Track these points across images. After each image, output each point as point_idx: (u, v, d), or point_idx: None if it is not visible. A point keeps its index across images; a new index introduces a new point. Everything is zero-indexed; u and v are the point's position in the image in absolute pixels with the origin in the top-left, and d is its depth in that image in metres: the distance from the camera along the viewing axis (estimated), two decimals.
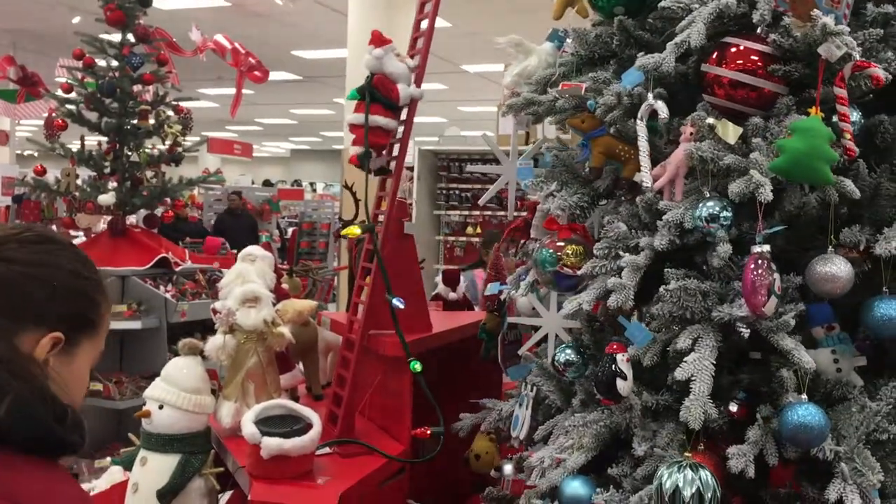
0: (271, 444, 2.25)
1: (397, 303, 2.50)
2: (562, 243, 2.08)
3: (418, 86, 2.70)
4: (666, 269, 1.83)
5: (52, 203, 6.41)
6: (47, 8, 11.89)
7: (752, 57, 1.88)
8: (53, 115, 5.47)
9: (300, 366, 3.08)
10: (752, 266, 1.70)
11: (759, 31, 1.91)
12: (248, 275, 2.81)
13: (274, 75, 10.24)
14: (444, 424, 2.52)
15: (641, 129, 1.92)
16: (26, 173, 6.18)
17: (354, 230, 2.63)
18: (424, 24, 2.76)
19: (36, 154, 19.56)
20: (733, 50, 1.89)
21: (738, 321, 1.77)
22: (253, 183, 17.63)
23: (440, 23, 11.56)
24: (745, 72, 1.87)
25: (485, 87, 16.34)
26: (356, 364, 2.58)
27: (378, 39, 2.63)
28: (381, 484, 2.42)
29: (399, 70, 2.63)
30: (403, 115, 2.70)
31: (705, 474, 1.63)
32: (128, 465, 2.66)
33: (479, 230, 7.99)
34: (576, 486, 1.92)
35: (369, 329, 2.66)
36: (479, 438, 2.64)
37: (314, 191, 24.70)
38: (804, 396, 1.72)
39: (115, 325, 4.94)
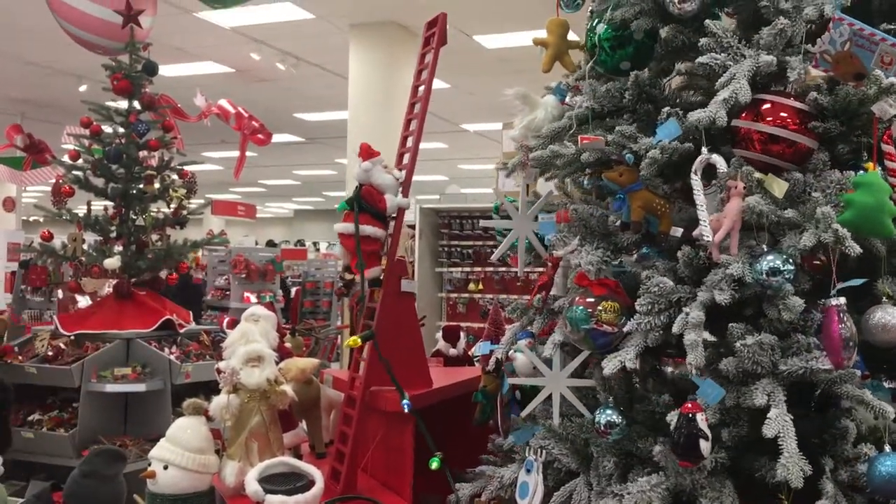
0: (274, 502, 2.28)
1: (406, 404, 2.53)
2: (592, 299, 2.02)
3: (405, 193, 2.82)
4: (731, 325, 1.85)
5: (59, 268, 6.48)
6: (54, 77, 12.16)
7: (787, 113, 1.95)
8: (61, 181, 5.57)
9: (303, 424, 3.10)
10: (836, 319, 1.72)
11: (787, 88, 1.99)
12: (252, 334, 2.87)
13: (277, 137, 10.45)
14: (443, 478, 2.53)
15: (697, 182, 1.92)
16: (33, 239, 6.26)
17: (356, 340, 2.63)
18: (422, 90, 2.87)
19: (41, 220, 19.74)
20: (769, 106, 1.96)
21: (813, 374, 1.78)
22: (256, 243, 17.74)
23: (439, 84, 11.80)
24: (783, 127, 1.93)
25: (484, 144, 16.58)
26: (358, 421, 2.62)
27: (366, 152, 2.77)
28: None
29: (386, 181, 2.76)
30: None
31: None
32: None
33: (481, 286, 8.05)
34: None
35: (370, 385, 2.70)
36: None
37: (317, 250, 24.81)
38: (887, 447, 1.76)
39: (120, 387, 4.97)
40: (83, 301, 6.34)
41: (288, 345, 3.57)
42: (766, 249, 1.83)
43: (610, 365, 1.93)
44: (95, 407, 5.07)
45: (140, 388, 5.00)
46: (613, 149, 2.10)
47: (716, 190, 2.02)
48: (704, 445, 1.77)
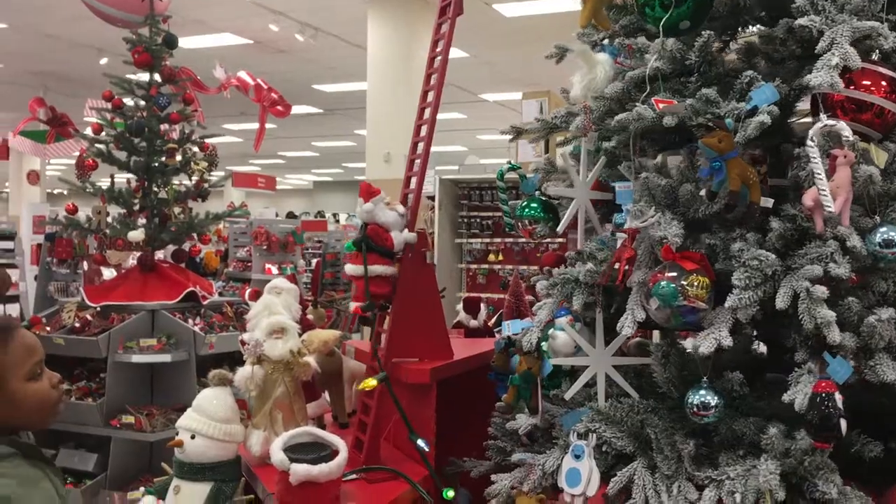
0: (299, 471, 2.32)
1: (422, 444, 2.53)
2: (676, 273, 1.91)
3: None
4: (849, 299, 1.82)
5: (84, 240, 6.56)
6: (76, 51, 12.21)
7: (878, 81, 1.92)
8: (84, 155, 5.63)
9: (326, 395, 3.15)
10: None
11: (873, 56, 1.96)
12: (275, 307, 2.90)
13: (296, 109, 10.44)
14: (465, 451, 2.56)
15: (814, 150, 1.86)
16: (57, 212, 6.34)
17: (371, 382, 2.58)
18: (438, 61, 2.86)
19: (65, 192, 19.91)
20: (860, 72, 1.92)
21: None
22: (277, 215, 17.82)
23: (458, 53, 11.70)
24: (873, 94, 1.90)
25: (503, 115, 16.49)
26: (380, 392, 2.65)
27: (366, 192, 2.72)
28: None
29: (391, 219, 2.72)
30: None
31: None
32: (161, 494, 2.72)
33: (500, 258, 8.05)
34: None
35: (392, 357, 2.73)
36: (523, 500, 2.25)
37: (337, 221, 24.88)
38: None
39: (146, 358, 5.05)
40: (108, 273, 6.42)
41: (310, 317, 3.61)
42: (878, 221, 1.81)
43: (705, 344, 1.84)
44: (122, 377, 5.17)
45: (165, 358, 5.08)
46: (688, 112, 1.99)
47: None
48: (843, 424, 1.73)
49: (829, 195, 1.81)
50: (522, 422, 2.42)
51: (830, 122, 1.87)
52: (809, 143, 1.87)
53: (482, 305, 3.86)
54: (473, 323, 3.76)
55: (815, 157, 1.85)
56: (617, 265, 2.06)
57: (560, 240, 6.17)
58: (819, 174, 1.83)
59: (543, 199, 2.60)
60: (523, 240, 7.71)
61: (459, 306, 3.89)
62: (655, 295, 1.92)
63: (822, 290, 1.76)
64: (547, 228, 2.60)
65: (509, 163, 2.83)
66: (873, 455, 1.94)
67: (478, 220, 8.10)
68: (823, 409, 1.73)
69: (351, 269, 2.73)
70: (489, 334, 3.69)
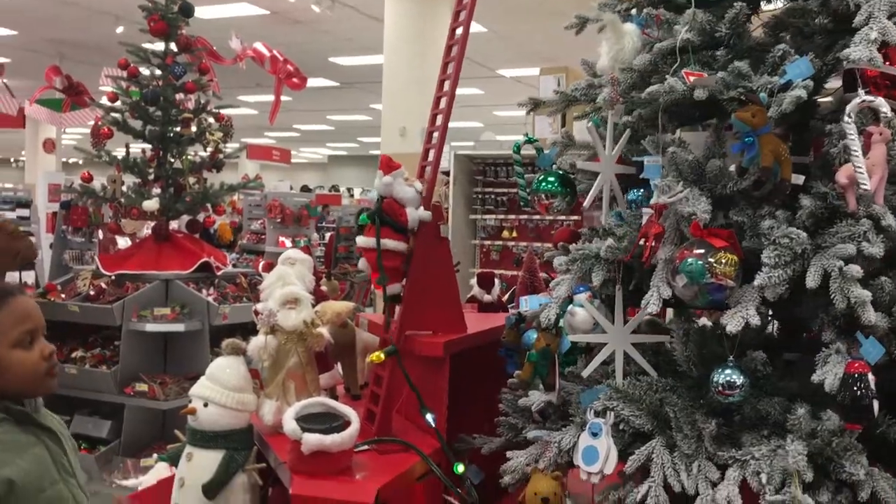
0: (311, 440, 2.32)
1: (430, 419, 2.53)
2: (703, 250, 1.86)
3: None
4: (882, 279, 1.81)
5: (99, 209, 6.59)
6: (92, 18, 12.18)
7: None
8: (100, 123, 5.63)
9: (339, 366, 3.15)
10: None
11: None
12: (288, 277, 2.90)
13: (312, 82, 10.39)
14: (476, 424, 2.55)
15: (851, 127, 1.83)
16: (73, 180, 6.35)
17: (380, 356, 2.56)
18: (459, 32, 2.82)
19: (81, 161, 19.99)
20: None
21: None
22: (291, 188, 17.83)
23: (476, 28, 11.61)
24: None
25: (520, 91, 16.38)
26: (393, 364, 2.65)
27: (386, 165, 2.68)
28: (419, 479, 2.48)
29: (408, 195, 2.68)
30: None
31: None
32: (174, 461, 2.74)
33: (514, 234, 8.02)
34: None
35: (405, 330, 2.72)
36: (539, 478, 2.21)
37: (351, 196, 24.90)
38: None
39: (160, 327, 5.08)
40: (123, 242, 6.45)
41: (324, 288, 3.61)
42: None
43: (733, 322, 1.82)
44: (136, 345, 5.20)
45: (179, 327, 5.11)
46: (719, 85, 1.95)
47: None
48: (875, 406, 1.72)
49: (865, 173, 1.77)
50: (536, 398, 2.40)
51: (869, 98, 1.83)
52: (846, 119, 1.83)
53: (496, 281, 3.85)
54: (487, 298, 3.75)
55: (851, 134, 1.81)
56: (643, 241, 2.02)
57: (575, 217, 6.14)
58: (856, 151, 1.80)
59: (561, 173, 2.56)
60: (538, 216, 7.67)
61: (473, 281, 3.88)
62: (683, 272, 1.88)
63: (856, 270, 1.74)
64: (564, 203, 2.54)
65: (526, 136, 2.79)
66: None
67: (492, 196, 8.06)
68: (856, 390, 1.71)
69: (362, 240, 2.70)
70: (503, 309, 3.68)
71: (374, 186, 2.72)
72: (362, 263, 2.76)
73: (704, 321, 2.53)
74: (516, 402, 2.55)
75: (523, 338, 2.67)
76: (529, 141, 2.77)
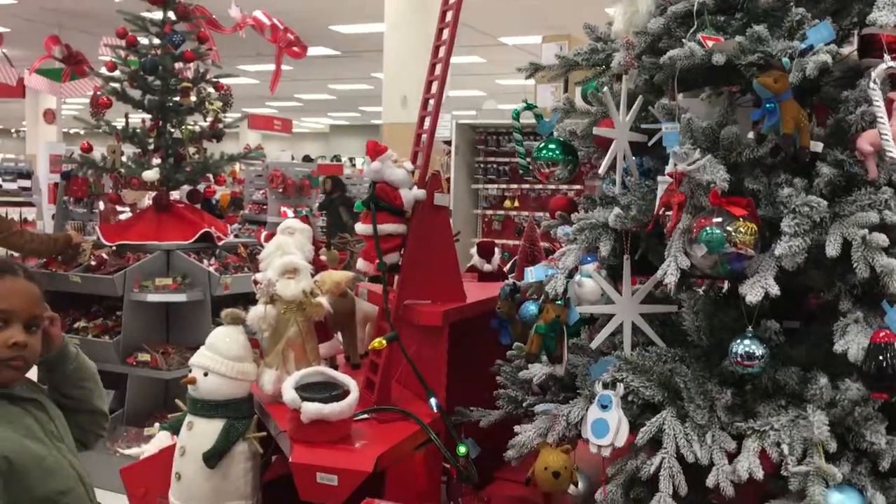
0: (311, 409, 2.33)
1: (434, 403, 2.53)
2: (721, 219, 1.83)
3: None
4: None
5: (99, 179, 6.57)
6: None
7: None
8: (99, 93, 5.60)
9: (339, 336, 3.16)
10: None
11: None
12: (288, 247, 2.89)
13: (312, 51, 10.33)
14: (475, 394, 2.55)
15: (876, 93, 1.79)
16: (73, 150, 6.33)
17: (382, 342, 2.54)
18: None
19: (82, 132, 19.93)
20: None
21: None
22: (293, 158, 17.78)
23: None
24: None
25: (523, 59, 16.24)
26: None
27: (373, 151, 2.67)
28: (417, 448, 2.49)
29: (399, 177, 2.67)
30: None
31: None
32: (175, 430, 2.76)
33: (516, 204, 7.99)
34: (843, 500, 1.75)
35: (405, 299, 2.72)
36: (548, 452, 2.16)
37: (353, 166, 24.83)
38: None
39: (162, 297, 5.10)
40: (124, 213, 6.45)
41: (323, 258, 3.61)
42: None
43: (753, 292, 1.79)
44: (138, 315, 5.22)
45: (180, 298, 5.12)
46: (736, 51, 1.91)
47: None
48: None
49: (891, 140, 1.74)
50: (537, 371, 2.38)
51: (890, 63, 1.79)
52: (872, 85, 1.79)
53: (496, 250, 3.84)
54: (487, 267, 3.74)
55: (877, 101, 1.77)
56: (666, 211, 1.97)
57: (577, 186, 6.11)
58: (882, 118, 1.76)
59: (562, 140, 2.52)
60: (539, 186, 7.64)
61: (473, 250, 3.87)
62: (702, 241, 1.83)
63: (883, 239, 1.71)
64: (566, 171, 2.48)
65: (525, 101, 2.76)
66: None
67: (494, 165, 8.03)
68: (881, 360, 1.68)
69: (361, 227, 2.72)
70: (503, 278, 3.67)
71: (365, 174, 2.71)
72: (362, 255, 2.77)
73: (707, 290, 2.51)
74: (515, 374, 2.55)
75: (521, 309, 2.66)
76: (529, 107, 2.73)
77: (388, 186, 2.68)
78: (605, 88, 2.30)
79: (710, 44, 1.92)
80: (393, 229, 2.69)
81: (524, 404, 2.46)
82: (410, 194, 2.69)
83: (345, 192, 12.15)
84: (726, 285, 2.39)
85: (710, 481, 1.85)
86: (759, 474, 1.81)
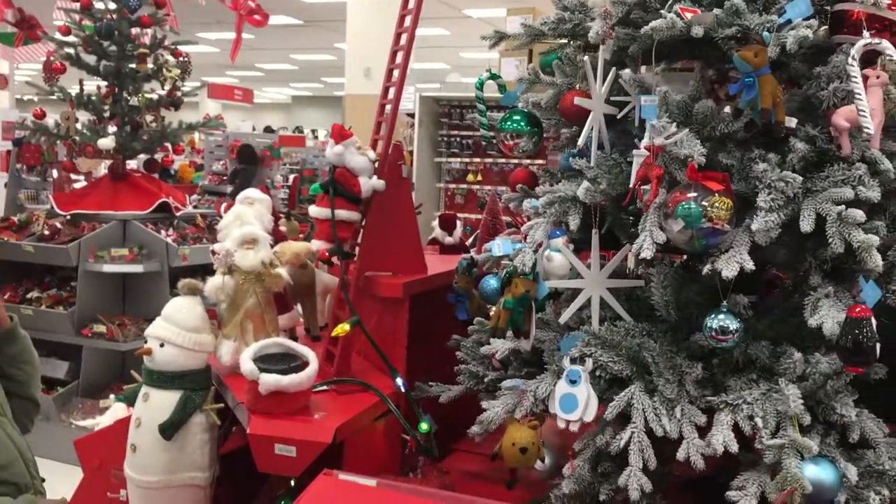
0: (269, 381, 2.31)
1: (400, 384, 2.53)
2: (696, 194, 1.82)
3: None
4: (877, 223, 1.81)
5: (53, 147, 6.41)
6: None
7: None
8: (52, 58, 5.45)
9: (298, 307, 3.13)
10: None
11: None
12: (246, 217, 2.85)
13: (274, 19, 10.12)
14: (437, 367, 2.55)
15: (855, 69, 1.78)
16: (26, 117, 6.17)
17: (344, 328, 2.51)
18: None
19: (35, 98, 19.43)
20: None
21: None
22: (254, 129, 17.53)
23: None
24: None
25: (487, 32, 16.15)
26: (352, 305, 2.63)
27: (338, 134, 2.65)
28: (377, 419, 2.49)
29: (360, 164, 2.65)
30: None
31: None
32: (131, 402, 2.72)
33: (479, 177, 7.99)
34: (818, 472, 1.77)
35: (365, 271, 2.71)
36: (516, 428, 2.14)
37: (316, 137, 24.56)
38: None
39: (118, 268, 5.01)
40: (79, 182, 6.31)
41: (283, 229, 3.56)
42: None
43: (729, 267, 1.79)
44: (93, 286, 5.13)
45: (137, 268, 5.04)
46: (713, 23, 1.90)
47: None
48: (877, 349, 1.71)
49: (868, 117, 1.74)
50: (500, 346, 2.33)
51: (875, 40, 1.80)
52: (851, 61, 1.79)
53: (458, 223, 3.83)
54: (449, 240, 3.74)
55: (855, 77, 1.77)
56: (642, 185, 1.95)
57: (540, 161, 6.11)
58: (860, 95, 1.76)
59: (527, 111, 2.50)
60: (503, 160, 7.65)
61: (435, 223, 3.86)
62: (679, 216, 1.83)
63: (859, 214, 1.73)
64: (531, 144, 2.44)
65: (488, 71, 2.73)
66: (878, 378, 1.94)
67: (458, 139, 8.02)
68: (858, 334, 1.70)
69: (315, 210, 2.70)
70: (465, 251, 3.67)
71: (326, 156, 2.68)
72: (317, 237, 2.76)
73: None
74: (476, 349, 2.53)
75: (481, 283, 2.65)
76: (493, 77, 2.71)
77: (348, 172, 2.66)
78: (586, 58, 2.26)
79: (688, 16, 1.91)
80: (347, 216, 2.67)
81: (485, 380, 2.45)
82: (370, 183, 2.67)
83: (256, 166, 11.34)
84: (683, 258, 2.40)
85: (680, 455, 1.86)
86: (734, 447, 1.83)
